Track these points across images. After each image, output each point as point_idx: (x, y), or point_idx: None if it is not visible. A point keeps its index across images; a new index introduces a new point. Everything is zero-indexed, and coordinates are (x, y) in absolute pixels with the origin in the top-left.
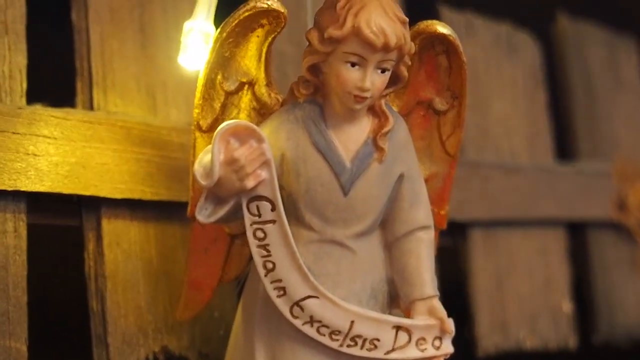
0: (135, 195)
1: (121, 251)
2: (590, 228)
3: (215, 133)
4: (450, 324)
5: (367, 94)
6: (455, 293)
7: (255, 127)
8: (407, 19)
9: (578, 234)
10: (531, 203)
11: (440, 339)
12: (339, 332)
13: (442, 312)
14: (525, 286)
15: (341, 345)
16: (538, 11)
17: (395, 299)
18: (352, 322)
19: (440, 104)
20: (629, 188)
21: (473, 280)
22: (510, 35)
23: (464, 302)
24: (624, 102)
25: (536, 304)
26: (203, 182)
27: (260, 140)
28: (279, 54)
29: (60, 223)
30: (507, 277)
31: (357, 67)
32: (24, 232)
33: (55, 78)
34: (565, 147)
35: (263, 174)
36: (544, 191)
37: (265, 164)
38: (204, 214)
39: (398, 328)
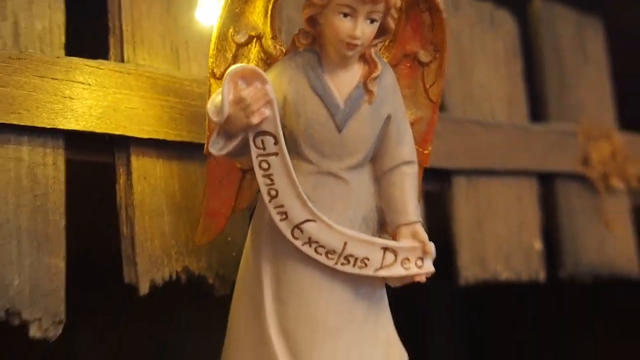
0: (160, 136)
1: (148, 185)
2: (558, 179)
3: (225, 75)
4: (431, 246)
5: (358, 42)
6: (440, 231)
7: (260, 70)
8: None
9: (548, 184)
10: (508, 156)
11: (422, 259)
12: (334, 251)
13: (424, 236)
14: (501, 227)
15: (336, 264)
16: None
17: (384, 225)
18: (345, 243)
19: (424, 56)
20: (592, 146)
21: (456, 220)
22: (492, 12)
23: (448, 240)
24: (589, 73)
25: (511, 242)
26: (215, 119)
27: (264, 82)
28: (288, 21)
29: (95, 159)
30: (485, 219)
31: (348, 17)
32: (62, 165)
33: (90, 34)
34: (538, 109)
35: (267, 111)
36: (519, 146)
37: (269, 103)
38: (216, 147)
39: (385, 249)
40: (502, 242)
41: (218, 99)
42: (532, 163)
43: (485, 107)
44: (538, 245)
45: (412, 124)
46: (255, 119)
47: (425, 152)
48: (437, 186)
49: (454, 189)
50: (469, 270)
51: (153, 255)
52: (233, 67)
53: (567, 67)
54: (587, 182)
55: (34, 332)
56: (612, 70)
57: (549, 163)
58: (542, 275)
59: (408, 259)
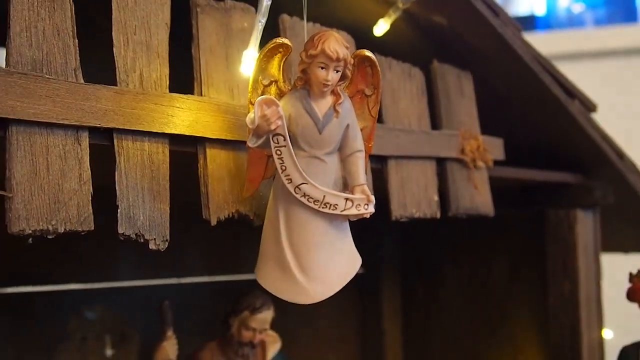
0: (222, 137)
1: (215, 164)
2: (447, 161)
3: (255, 101)
4: (372, 198)
5: (329, 84)
6: (381, 190)
7: (275, 99)
8: (349, 46)
9: (441, 164)
10: (418, 149)
11: (367, 205)
12: (318, 201)
13: (368, 191)
14: (415, 188)
15: (319, 208)
16: (425, 59)
17: (346, 186)
18: (324, 196)
19: (368, 91)
20: (466, 143)
21: (389, 183)
22: (410, 69)
23: (385, 194)
24: (464, 103)
25: (420, 196)
26: (250, 126)
27: (277, 105)
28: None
29: (185, 150)
30: (406, 183)
31: (324, 69)
32: (167, 153)
33: (182, 81)
34: (435, 123)
35: (279, 122)
36: (425, 143)
37: (280, 117)
38: (252, 142)
39: (347, 199)
40: (415, 196)
41: (252, 115)
42: (432, 152)
43: (405, 121)
44: (436, 198)
45: (361, 129)
46: (273, 127)
47: (370, 145)
48: (378, 165)
49: (389, 167)
50: (397, 211)
51: (218, 203)
52: (260, 97)
53: (452, 99)
54: (463, 163)
55: (152, 246)
56: (477, 101)
57: (442, 152)
58: (438, 214)
59: (359, 205)
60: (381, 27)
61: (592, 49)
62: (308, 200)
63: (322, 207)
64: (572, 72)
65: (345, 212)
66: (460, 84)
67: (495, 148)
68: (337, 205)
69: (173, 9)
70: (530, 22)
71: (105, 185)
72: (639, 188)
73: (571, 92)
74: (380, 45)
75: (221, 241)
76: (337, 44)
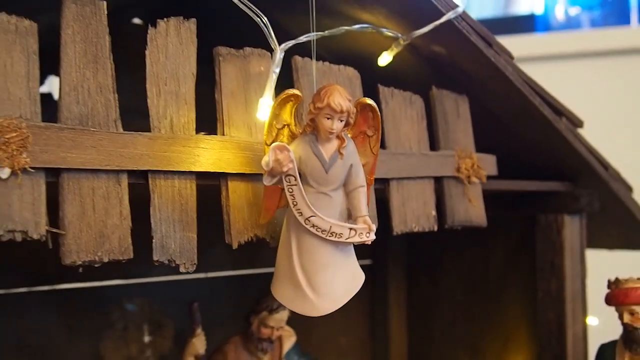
0: (242, 171)
1: (237, 196)
2: (444, 179)
3: (270, 146)
4: (373, 227)
5: (334, 132)
6: (382, 209)
7: (287, 145)
8: (351, 98)
9: (439, 182)
10: (418, 169)
11: (369, 233)
12: (325, 230)
13: (369, 221)
14: (415, 204)
15: (326, 236)
16: (425, 86)
17: (350, 217)
18: (330, 226)
19: (369, 132)
20: (462, 162)
21: (391, 202)
22: (411, 96)
23: (387, 212)
24: (460, 124)
25: (419, 212)
26: (265, 168)
27: (289, 151)
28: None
29: (210, 184)
30: (407, 200)
31: (329, 119)
32: (194, 188)
33: (207, 123)
34: (433, 144)
35: (290, 165)
36: (424, 164)
37: (291, 161)
38: (267, 182)
39: (350, 229)
40: (415, 212)
41: (266, 158)
42: (430, 172)
43: (406, 145)
44: (433, 213)
45: (364, 165)
46: (285, 169)
47: (371, 178)
48: (382, 186)
49: (390, 187)
50: (398, 227)
51: (239, 229)
52: (274, 143)
53: (449, 121)
54: (459, 180)
55: (182, 269)
56: (473, 120)
57: (439, 172)
58: (435, 228)
59: (362, 233)
60: (385, 59)
61: (588, 49)
62: (316, 230)
63: (329, 236)
64: (570, 71)
65: (349, 240)
66: (457, 107)
67: (488, 164)
68: (342, 234)
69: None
70: (529, 22)
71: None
72: (622, 195)
73: (559, 110)
74: (384, 71)
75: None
76: (341, 98)
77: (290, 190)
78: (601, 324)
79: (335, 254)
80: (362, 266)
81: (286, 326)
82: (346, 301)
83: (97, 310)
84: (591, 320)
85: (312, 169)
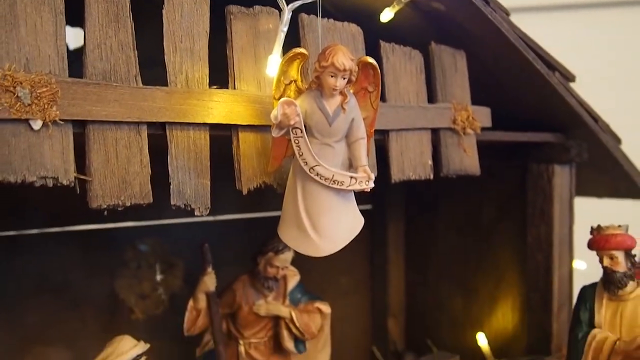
0: (252, 123)
1: (247, 145)
2: (441, 130)
3: (279, 101)
4: (372, 176)
5: (338, 89)
6: (381, 159)
7: (293, 100)
8: (354, 57)
9: (436, 133)
10: (416, 121)
11: (368, 181)
12: (328, 178)
13: (369, 171)
14: (412, 154)
15: (328, 184)
16: (424, 41)
17: (351, 167)
18: (333, 175)
19: (370, 88)
20: (457, 114)
21: (390, 152)
22: (410, 51)
23: (387, 161)
24: (457, 78)
25: (416, 161)
26: (274, 122)
27: (295, 105)
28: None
29: (222, 134)
30: (405, 150)
31: (333, 77)
32: (207, 138)
33: (219, 77)
34: (431, 97)
35: (297, 118)
36: (421, 116)
37: (298, 114)
38: (275, 133)
39: (351, 177)
40: (412, 161)
41: (275, 112)
42: (428, 124)
43: (405, 98)
44: (430, 162)
45: (364, 119)
46: (292, 122)
47: (371, 131)
48: (381, 137)
49: (390, 138)
50: (396, 175)
51: (248, 176)
52: (282, 98)
53: (447, 76)
54: (455, 131)
55: (197, 212)
56: (469, 74)
57: (436, 123)
58: (431, 176)
59: (362, 182)
60: (386, 15)
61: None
62: (320, 178)
63: (332, 184)
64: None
65: (350, 188)
66: (454, 62)
67: (483, 116)
68: (343, 182)
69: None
70: None
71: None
72: (611, 146)
73: (552, 65)
74: (386, 27)
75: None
76: (344, 57)
77: (297, 141)
78: (589, 267)
79: (337, 199)
80: (362, 211)
81: (290, 266)
82: (346, 243)
83: (112, 250)
84: (579, 264)
85: (316, 122)
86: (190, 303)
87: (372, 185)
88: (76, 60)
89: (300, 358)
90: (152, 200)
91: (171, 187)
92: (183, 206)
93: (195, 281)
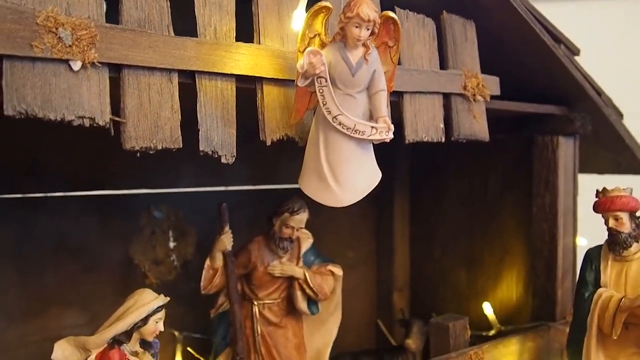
0: (275, 77)
1: (270, 98)
2: (452, 95)
3: (304, 51)
4: (392, 126)
5: (361, 39)
6: (395, 121)
7: (319, 50)
8: (377, 10)
9: (447, 98)
10: (428, 85)
11: (388, 132)
12: (350, 128)
13: (389, 121)
14: (425, 117)
15: (350, 133)
16: (436, 10)
17: (372, 117)
18: (355, 124)
19: (390, 43)
20: (468, 80)
21: (404, 114)
22: (424, 19)
23: (400, 122)
24: (467, 46)
25: (427, 124)
26: (300, 70)
27: (321, 54)
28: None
29: (247, 87)
30: (418, 112)
31: (357, 28)
32: (233, 89)
33: (245, 32)
34: (443, 63)
35: (322, 67)
36: (434, 81)
37: (323, 64)
38: (300, 83)
39: (372, 127)
40: (425, 124)
41: (301, 62)
42: (440, 89)
43: (419, 63)
44: (441, 125)
45: (385, 72)
46: (317, 71)
47: (391, 85)
48: (396, 99)
49: (404, 100)
50: (410, 136)
51: (272, 128)
52: (308, 49)
53: (457, 44)
54: (465, 97)
55: (224, 160)
56: (478, 45)
57: (448, 88)
58: (443, 139)
59: (382, 132)
60: None
61: None
62: (342, 127)
63: (353, 133)
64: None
65: (370, 137)
66: (465, 31)
67: (492, 85)
68: (364, 131)
69: None
70: None
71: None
72: (613, 120)
73: (557, 37)
74: None
75: (263, 157)
76: (368, 8)
77: (321, 90)
78: (590, 244)
79: (358, 150)
80: None
81: (304, 229)
82: (364, 195)
83: (128, 217)
84: (580, 241)
85: (340, 73)
86: (207, 262)
87: (391, 136)
88: (110, 10)
89: (312, 321)
90: (181, 146)
91: (200, 133)
92: (211, 152)
93: (210, 246)
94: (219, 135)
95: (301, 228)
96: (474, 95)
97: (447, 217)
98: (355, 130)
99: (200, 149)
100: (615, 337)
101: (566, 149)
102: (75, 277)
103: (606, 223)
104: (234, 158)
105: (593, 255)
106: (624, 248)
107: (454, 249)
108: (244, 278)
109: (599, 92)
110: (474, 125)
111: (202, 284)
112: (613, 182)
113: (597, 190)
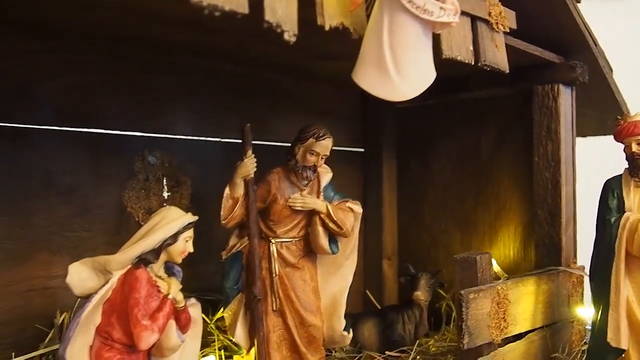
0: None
1: None
2: (478, 21)
3: None
4: (459, 8)
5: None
6: None
7: None
8: None
9: (474, 23)
10: (461, 3)
11: (455, 15)
12: (419, 7)
13: (457, 4)
14: (458, 35)
15: (419, 13)
16: None
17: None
18: (425, 3)
19: None
20: (492, 9)
21: None
22: None
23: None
24: None
25: (459, 43)
26: None
27: None
28: None
29: None
30: (452, 30)
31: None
32: None
33: None
34: None
35: None
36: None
37: None
38: None
39: (441, 7)
40: (458, 42)
41: None
42: (468, 10)
43: None
44: (471, 48)
45: None
46: None
47: None
48: None
49: None
50: (447, 52)
51: (330, 14)
52: None
53: None
54: (489, 24)
55: (286, 36)
56: None
57: (475, 11)
58: (472, 61)
59: (449, 14)
60: None
61: None
62: (412, 6)
63: (422, 13)
64: None
65: (439, 20)
66: None
67: (510, 17)
68: (433, 12)
69: None
70: None
71: None
72: (606, 72)
73: None
74: None
75: (256, 111)
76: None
77: None
78: None
79: (422, 38)
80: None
81: (324, 164)
82: (423, 89)
83: (122, 159)
84: None
85: None
86: (227, 191)
87: (457, 19)
88: None
89: (327, 266)
90: (247, 12)
91: (264, 2)
92: (274, 25)
93: (235, 166)
94: (282, 9)
95: (326, 155)
96: (497, 23)
97: (437, 178)
98: (424, 10)
99: (265, 18)
100: None
101: (566, 98)
102: (65, 221)
103: (628, 149)
104: (295, 37)
105: (614, 184)
106: None
107: (445, 212)
108: (260, 214)
109: (596, 43)
110: (497, 54)
111: (222, 213)
112: (596, 145)
113: (617, 118)
